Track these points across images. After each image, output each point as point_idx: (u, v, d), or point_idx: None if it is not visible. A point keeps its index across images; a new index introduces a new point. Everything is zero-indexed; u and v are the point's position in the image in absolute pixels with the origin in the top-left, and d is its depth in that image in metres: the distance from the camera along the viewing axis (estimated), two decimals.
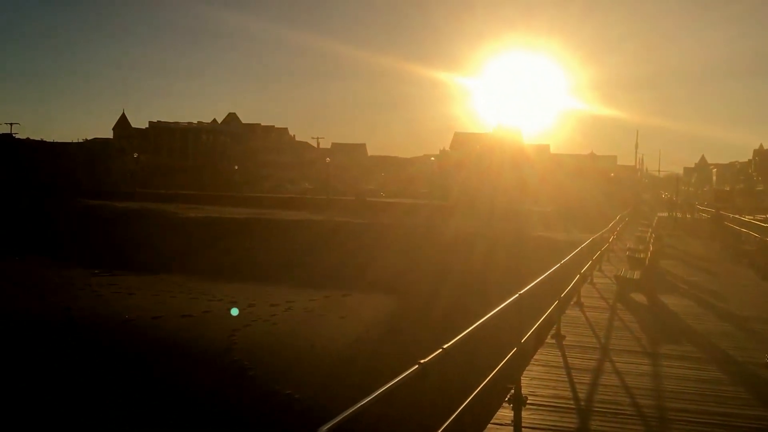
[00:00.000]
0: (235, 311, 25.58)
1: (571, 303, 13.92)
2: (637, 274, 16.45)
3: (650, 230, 29.71)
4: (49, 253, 38.73)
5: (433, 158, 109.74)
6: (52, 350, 18.90)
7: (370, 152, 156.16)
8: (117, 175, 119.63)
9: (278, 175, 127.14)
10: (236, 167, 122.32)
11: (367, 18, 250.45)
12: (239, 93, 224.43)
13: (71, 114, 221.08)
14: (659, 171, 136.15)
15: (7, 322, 21.91)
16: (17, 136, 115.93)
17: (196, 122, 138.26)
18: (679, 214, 52.25)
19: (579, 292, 14.64)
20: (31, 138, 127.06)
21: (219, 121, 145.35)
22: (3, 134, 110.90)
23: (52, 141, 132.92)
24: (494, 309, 6.45)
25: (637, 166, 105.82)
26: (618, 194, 74.02)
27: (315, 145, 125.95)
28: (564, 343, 10.72)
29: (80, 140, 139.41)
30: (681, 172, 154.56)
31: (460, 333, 5.36)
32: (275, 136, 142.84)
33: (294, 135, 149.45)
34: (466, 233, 45.60)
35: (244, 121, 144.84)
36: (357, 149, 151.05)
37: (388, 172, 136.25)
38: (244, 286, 28.97)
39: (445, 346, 4.90)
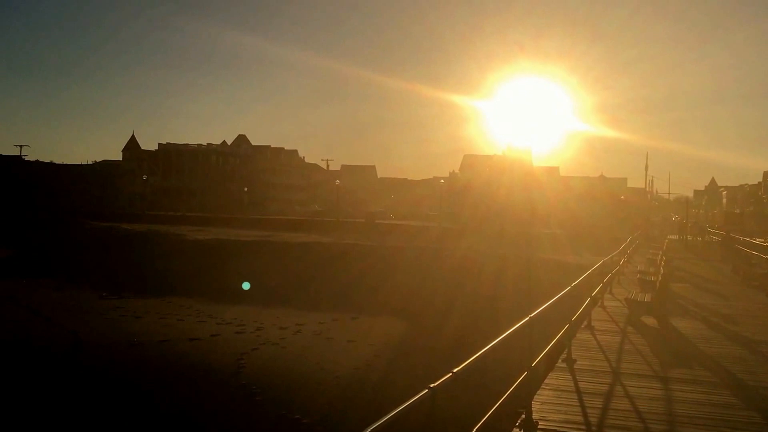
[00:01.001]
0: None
1: (582, 326, 13.83)
2: (647, 297, 16.34)
3: (661, 253, 29.54)
4: (56, 275, 38.82)
5: (442, 180, 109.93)
6: (59, 375, 18.86)
7: (380, 174, 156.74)
8: (126, 197, 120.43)
9: (287, 197, 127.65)
10: (245, 189, 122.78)
11: (378, 40, 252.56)
12: (249, 115, 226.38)
13: (81, 136, 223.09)
14: (669, 193, 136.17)
15: (13, 345, 21.91)
16: (26, 158, 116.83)
17: (205, 144, 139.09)
18: (689, 237, 51.99)
19: (590, 315, 14.55)
20: (41, 160, 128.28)
21: (229, 143, 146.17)
22: (12, 156, 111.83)
23: (61, 163, 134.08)
24: (505, 332, 6.40)
25: (647, 189, 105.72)
26: (628, 217, 73.76)
27: (324, 167, 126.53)
28: (575, 366, 10.63)
29: (90, 162, 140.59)
30: (691, 194, 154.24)
31: (471, 356, 5.31)
32: (285, 158, 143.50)
33: (304, 157, 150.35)
34: (475, 255, 45.52)
35: (253, 143, 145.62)
36: (367, 171, 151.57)
37: (397, 194, 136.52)
38: (253, 308, 28.90)
39: (455, 370, 4.86)
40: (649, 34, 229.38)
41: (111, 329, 24.71)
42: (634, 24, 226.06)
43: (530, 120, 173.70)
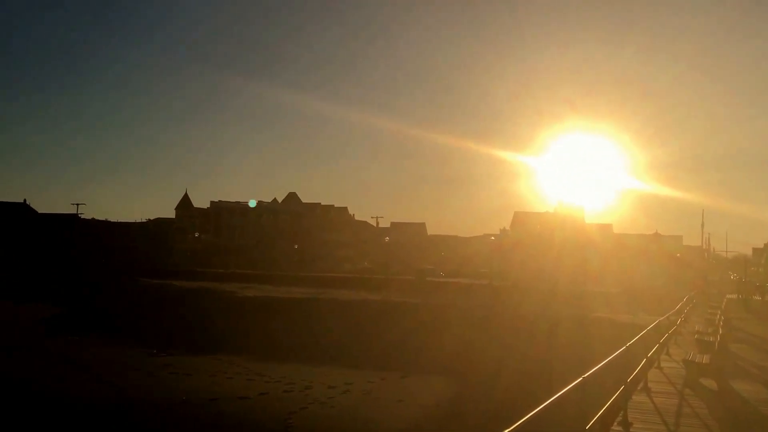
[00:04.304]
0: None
1: (638, 388, 13.39)
2: (706, 359, 15.80)
3: (719, 313, 28.69)
4: (107, 332, 39.39)
5: (493, 237, 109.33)
6: None
7: (430, 231, 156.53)
8: (178, 255, 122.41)
9: (337, 254, 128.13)
10: (296, 246, 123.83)
11: (428, 98, 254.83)
12: (299, 173, 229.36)
13: (136, 194, 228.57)
14: (727, 251, 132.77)
15: (63, 402, 22.14)
16: (83, 216, 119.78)
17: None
18: (748, 296, 50.43)
19: (646, 376, 14.11)
20: (96, 218, 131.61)
21: (279, 200, 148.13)
22: (69, 214, 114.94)
23: (116, 221, 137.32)
24: (557, 393, 6.22)
25: (704, 247, 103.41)
26: (684, 275, 72.04)
27: (374, 224, 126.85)
28: (631, 430, 10.25)
29: (144, 220, 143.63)
30: (750, 253, 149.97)
31: (522, 417, 5.16)
32: (334, 215, 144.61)
33: (353, 214, 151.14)
34: (526, 314, 44.85)
35: (303, 201, 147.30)
36: (416, 228, 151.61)
37: (447, 251, 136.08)
38: (302, 366, 28.79)
39: None
40: (703, 92, 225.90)
41: (160, 387, 24.82)
42: (686, 82, 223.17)
43: (582, 177, 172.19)
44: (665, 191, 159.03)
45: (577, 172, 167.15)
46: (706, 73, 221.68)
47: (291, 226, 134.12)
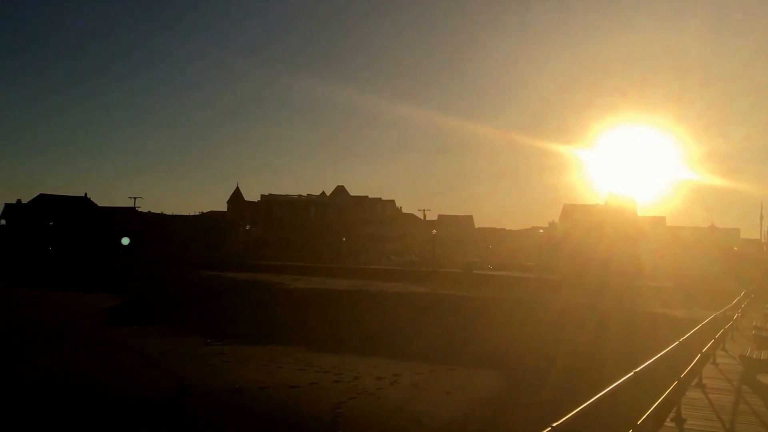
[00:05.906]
0: None
1: (692, 384, 13.15)
2: (765, 355, 15.42)
3: None
4: (165, 322, 40.24)
5: (541, 230, 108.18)
6: (167, 417, 19.40)
7: (477, 224, 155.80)
8: (230, 247, 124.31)
9: (384, 246, 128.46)
10: (344, 239, 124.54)
11: (474, 90, 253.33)
12: (347, 166, 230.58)
13: (189, 188, 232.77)
14: None
15: (123, 388, 22.72)
16: (140, 210, 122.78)
17: (305, 195, 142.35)
18: None
19: (701, 372, 13.84)
20: (152, 211, 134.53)
21: (327, 193, 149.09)
22: (127, 208, 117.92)
23: (171, 214, 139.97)
24: (608, 387, 6.16)
25: (763, 240, 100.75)
26: (742, 269, 70.24)
27: (421, 216, 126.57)
28: (685, 426, 10.08)
29: (197, 213, 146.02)
30: None
31: (572, 411, 5.13)
32: (382, 208, 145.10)
33: (401, 207, 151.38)
34: (576, 307, 44.37)
35: (351, 194, 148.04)
36: (464, 221, 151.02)
37: (495, 244, 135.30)
38: (350, 357, 28.98)
39: (554, 424, 4.70)
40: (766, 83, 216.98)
41: (214, 375, 25.31)
42: (749, 72, 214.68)
43: (634, 168, 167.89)
44: (723, 183, 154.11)
45: (628, 163, 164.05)
46: None
47: (339, 219, 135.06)
